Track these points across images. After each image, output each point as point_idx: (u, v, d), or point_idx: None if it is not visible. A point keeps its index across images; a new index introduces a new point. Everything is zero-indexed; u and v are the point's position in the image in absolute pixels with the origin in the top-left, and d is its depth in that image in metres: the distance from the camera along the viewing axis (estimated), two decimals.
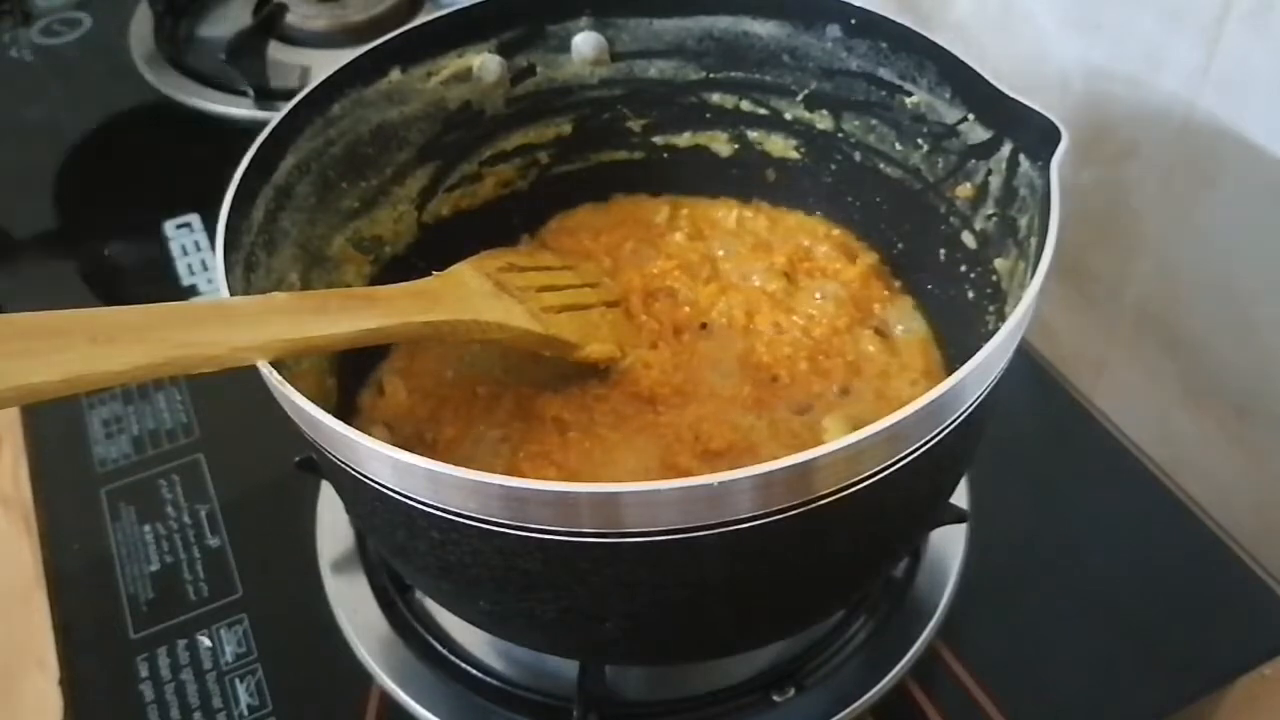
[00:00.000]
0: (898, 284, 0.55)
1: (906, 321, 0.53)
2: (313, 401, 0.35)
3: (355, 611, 0.53)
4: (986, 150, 0.46)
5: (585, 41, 0.54)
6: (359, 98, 0.50)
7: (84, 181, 0.82)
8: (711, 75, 0.55)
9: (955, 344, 0.51)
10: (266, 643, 0.53)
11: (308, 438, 0.38)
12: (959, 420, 0.36)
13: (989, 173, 0.47)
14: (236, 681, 0.52)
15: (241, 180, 0.43)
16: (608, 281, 0.55)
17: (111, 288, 0.72)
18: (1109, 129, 0.59)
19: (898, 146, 0.52)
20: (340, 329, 0.39)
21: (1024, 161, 0.44)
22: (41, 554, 0.58)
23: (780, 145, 0.56)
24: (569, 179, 0.59)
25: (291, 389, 0.36)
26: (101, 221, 0.78)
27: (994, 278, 0.47)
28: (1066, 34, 0.59)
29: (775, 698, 0.49)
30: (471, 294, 0.47)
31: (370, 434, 0.34)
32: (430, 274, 0.55)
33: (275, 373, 0.36)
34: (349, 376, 0.51)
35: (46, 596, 0.56)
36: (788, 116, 0.55)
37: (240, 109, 0.81)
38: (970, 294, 0.49)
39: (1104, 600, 0.53)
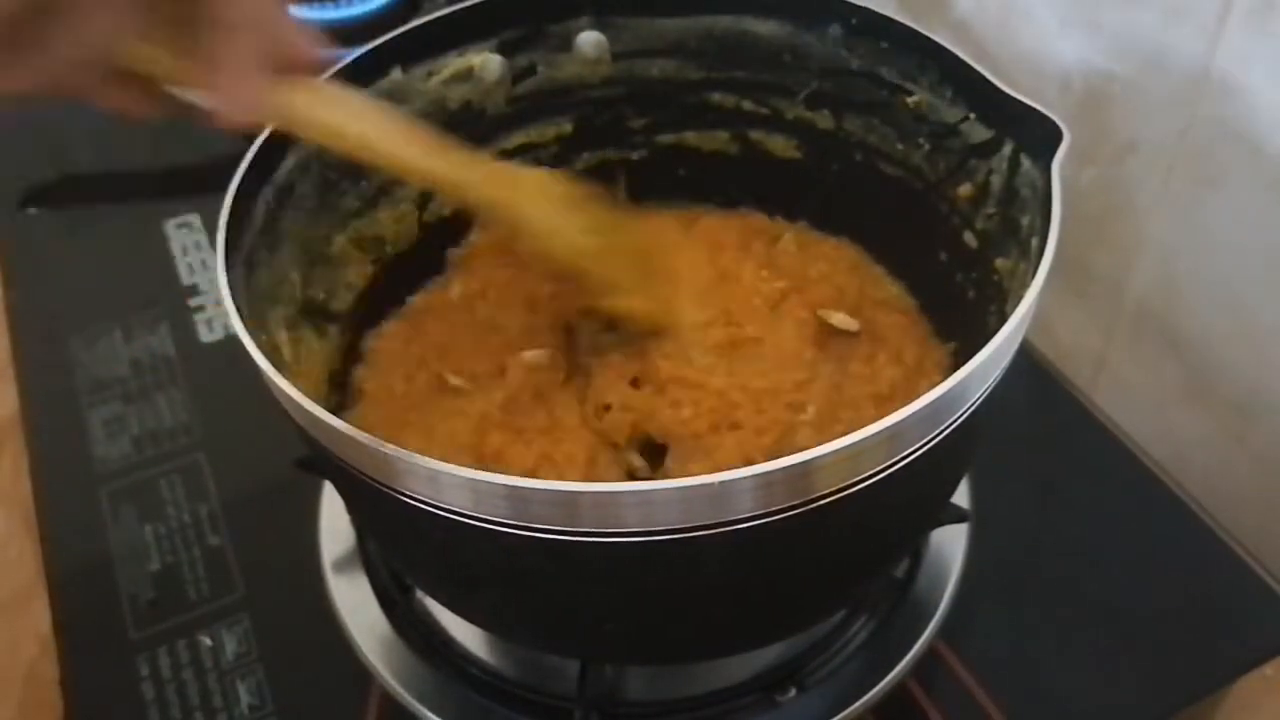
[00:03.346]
0: (900, 283, 0.55)
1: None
2: (312, 400, 0.35)
3: (356, 611, 0.53)
4: (988, 150, 0.46)
5: (586, 41, 0.54)
6: None
7: (85, 180, 0.82)
8: (712, 75, 0.55)
9: (956, 343, 0.51)
10: (267, 642, 0.53)
11: (307, 436, 0.38)
12: (960, 420, 0.36)
13: (990, 172, 0.47)
14: (237, 681, 0.52)
15: (242, 180, 0.43)
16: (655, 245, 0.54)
17: (112, 287, 0.72)
18: (1110, 128, 0.59)
19: (899, 146, 0.52)
20: (414, 159, 0.41)
21: (1025, 161, 0.44)
22: (41, 553, 0.58)
23: (781, 145, 0.56)
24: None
25: (291, 387, 0.36)
26: (102, 220, 0.78)
27: (995, 277, 0.47)
28: (1067, 33, 0.59)
29: (776, 698, 0.49)
30: (534, 197, 0.46)
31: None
32: (432, 277, 0.56)
33: (276, 371, 0.36)
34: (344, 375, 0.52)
35: (46, 596, 0.56)
36: (789, 116, 0.55)
37: None
38: (971, 293, 0.49)
39: (1105, 600, 0.53)
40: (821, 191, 0.57)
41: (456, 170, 0.43)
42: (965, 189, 0.49)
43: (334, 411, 0.36)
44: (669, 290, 0.52)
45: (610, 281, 0.49)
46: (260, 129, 0.39)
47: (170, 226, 0.76)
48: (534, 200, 0.46)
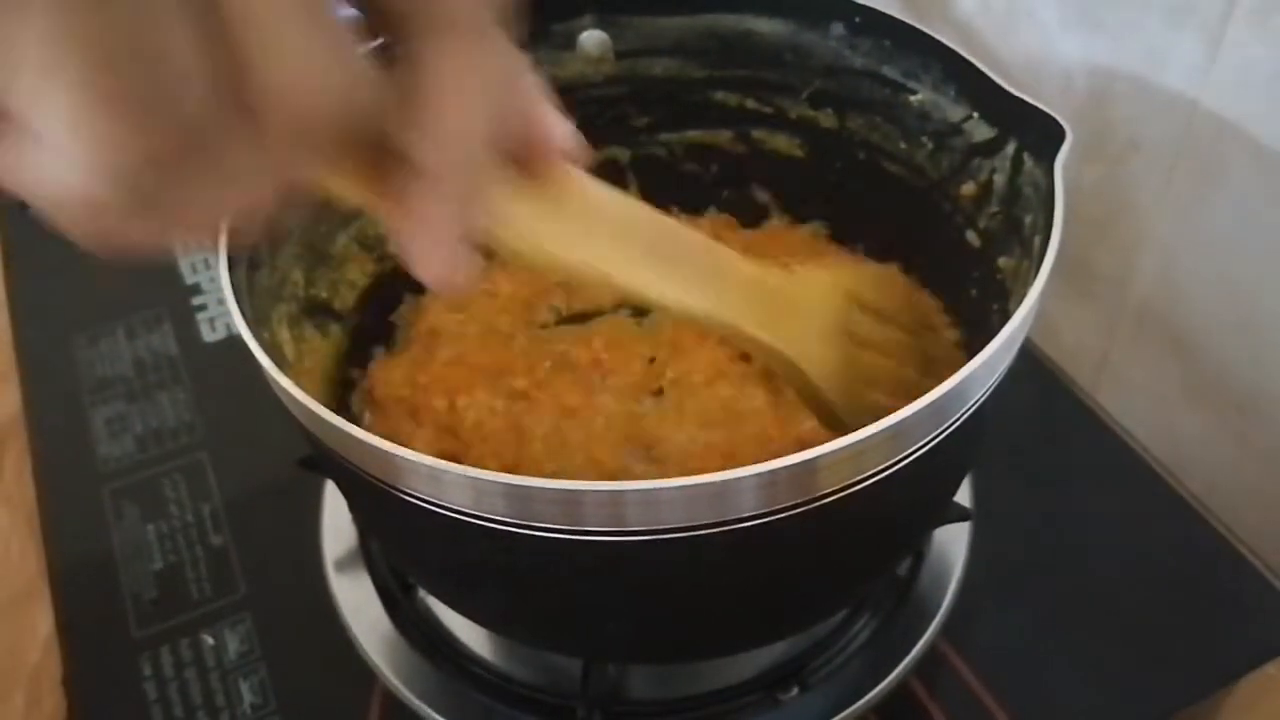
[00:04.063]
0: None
1: None
2: (314, 398, 0.35)
3: (359, 610, 0.53)
4: (990, 148, 0.46)
5: (589, 39, 0.54)
6: None
7: None
8: (715, 73, 0.55)
9: (959, 342, 0.51)
10: (270, 641, 0.53)
11: (310, 436, 0.38)
12: (962, 419, 0.36)
13: (993, 171, 0.47)
14: (240, 680, 0.52)
15: None
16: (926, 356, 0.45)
17: (115, 286, 0.72)
18: (1112, 127, 0.59)
19: (901, 145, 0.52)
20: (668, 297, 0.32)
21: (1028, 160, 0.44)
22: (44, 552, 0.58)
23: (784, 144, 0.56)
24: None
25: (294, 386, 0.36)
26: None
27: (998, 276, 0.47)
28: (1069, 32, 0.59)
29: (779, 696, 0.49)
30: (813, 320, 0.38)
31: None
32: None
33: (278, 370, 0.36)
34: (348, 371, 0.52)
35: (49, 595, 0.56)
36: (792, 115, 0.55)
37: None
38: (974, 292, 0.49)
39: (1107, 599, 0.53)
40: (824, 190, 0.57)
41: (723, 308, 0.34)
42: (968, 188, 0.49)
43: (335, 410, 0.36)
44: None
45: (846, 417, 0.39)
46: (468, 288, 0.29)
47: None
48: (801, 335, 0.37)
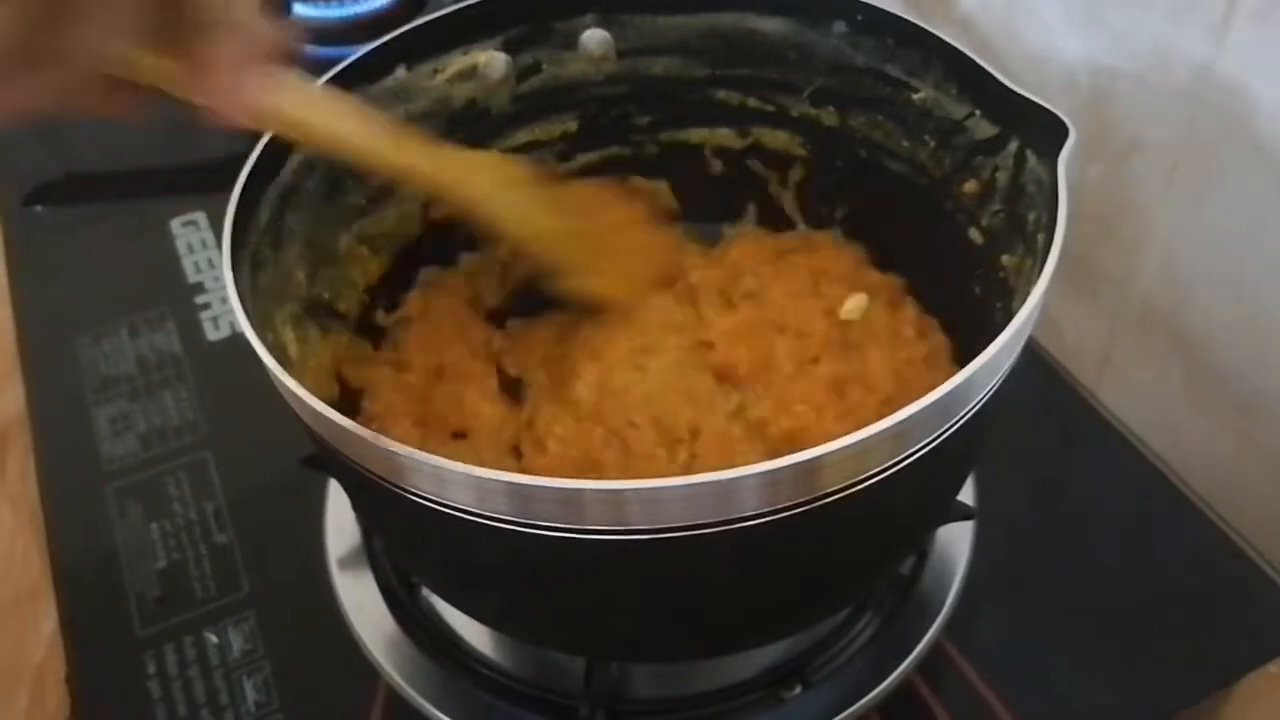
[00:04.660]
0: (904, 282, 0.55)
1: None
2: (317, 397, 0.35)
3: (362, 608, 0.53)
4: (993, 146, 0.46)
5: (591, 38, 0.54)
6: (365, 96, 0.50)
7: (90, 179, 0.83)
8: (717, 72, 0.55)
9: (962, 341, 0.51)
10: (273, 640, 0.54)
11: (313, 434, 0.38)
12: (965, 418, 0.36)
13: (996, 169, 0.47)
14: (244, 678, 0.52)
15: (248, 178, 0.43)
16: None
17: (118, 285, 0.73)
18: (1115, 125, 0.58)
19: (904, 143, 0.52)
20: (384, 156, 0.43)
21: (1031, 158, 0.44)
22: (48, 551, 0.58)
23: (786, 142, 0.56)
24: (575, 176, 0.59)
25: (297, 385, 0.36)
26: (108, 219, 0.78)
27: (1000, 274, 0.47)
28: (1072, 30, 0.59)
29: (782, 695, 0.49)
30: (509, 179, 0.48)
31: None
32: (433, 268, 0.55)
33: (282, 369, 0.36)
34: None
35: (53, 593, 0.56)
36: (794, 113, 0.55)
37: None
38: (977, 290, 0.49)
39: (1110, 597, 0.53)
40: (826, 188, 0.57)
41: (423, 161, 0.44)
42: (971, 186, 0.49)
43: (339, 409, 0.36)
44: (630, 268, 0.53)
45: (573, 263, 0.50)
46: (254, 125, 0.40)
47: (176, 225, 0.77)
48: (496, 184, 0.47)
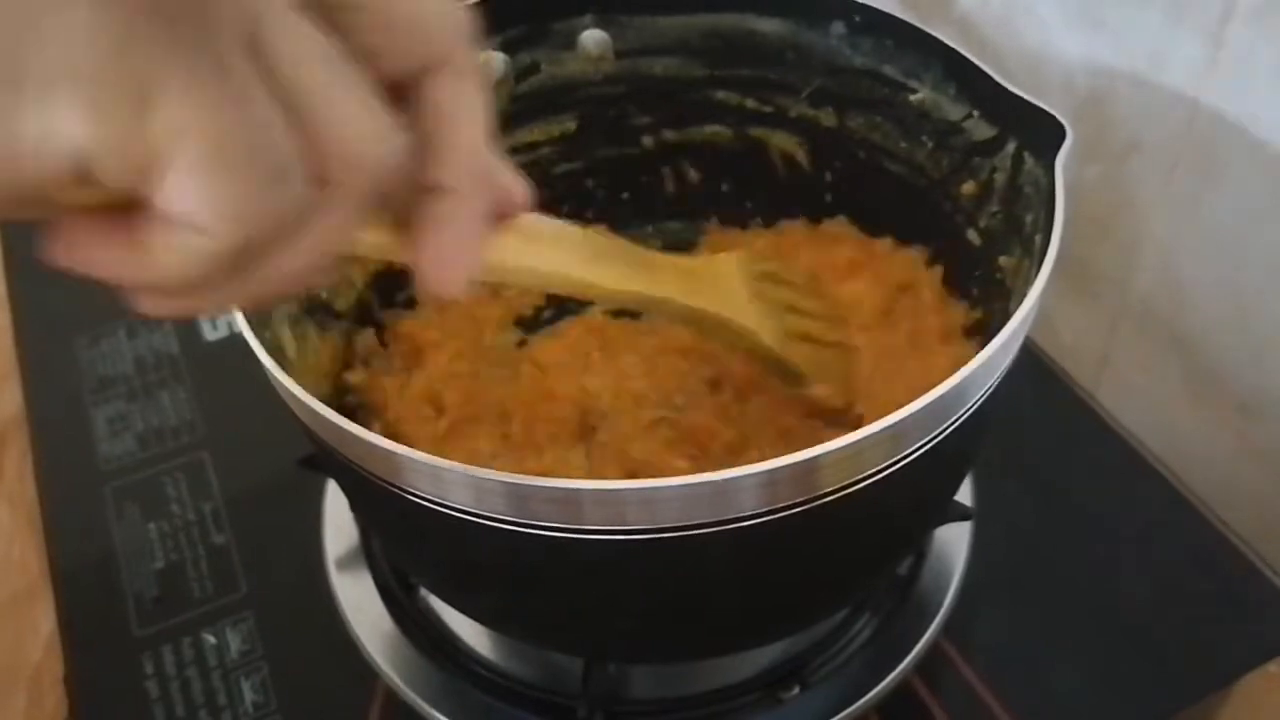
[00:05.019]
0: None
1: None
2: (315, 397, 0.35)
3: (360, 609, 0.53)
4: (991, 147, 0.46)
5: (590, 39, 0.54)
6: None
7: None
8: (715, 73, 0.55)
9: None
10: (271, 640, 0.53)
11: (311, 434, 0.38)
12: (963, 418, 0.36)
13: (993, 170, 0.47)
14: (241, 679, 0.52)
15: None
16: (843, 318, 0.52)
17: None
18: (1113, 126, 0.59)
19: (902, 144, 0.52)
20: (613, 284, 0.38)
21: (1028, 159, 0.44)
22: (46, 551, 0.58)
23: (784, 142, 0.56)
24: (574, 176, 0.59)
25: (295, 385, 0.36)
26: None
27: (998, 275, 0.47)
28: (1070, 31, 0.59)
29: (780, 695, 0.49)
30: (733, 291, 0.44)
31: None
32: None
33: (279, 369, 0.36)
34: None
35: (51, 593, 0.56)
36: (792, 114, 0.55)
37: None
38: (975, 291, 0.49)
39: (1108, 597, 0.53)
40: (825, 189, 0.57)
41: (655, 287, 0.40)
42: (969, 187, 0.49)
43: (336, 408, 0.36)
44: (846, 360, 0.50)
45: (799, 373, 0.46)
46: (469, 291, 0.31)
47: None
48: (726, 301, 0.43)
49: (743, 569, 0.37)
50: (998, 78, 0.45)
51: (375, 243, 0.28)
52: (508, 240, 0.32)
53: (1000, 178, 0.46)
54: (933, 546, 0.54)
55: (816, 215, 0.58)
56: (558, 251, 0.35)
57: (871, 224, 0.56)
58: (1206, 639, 0.52)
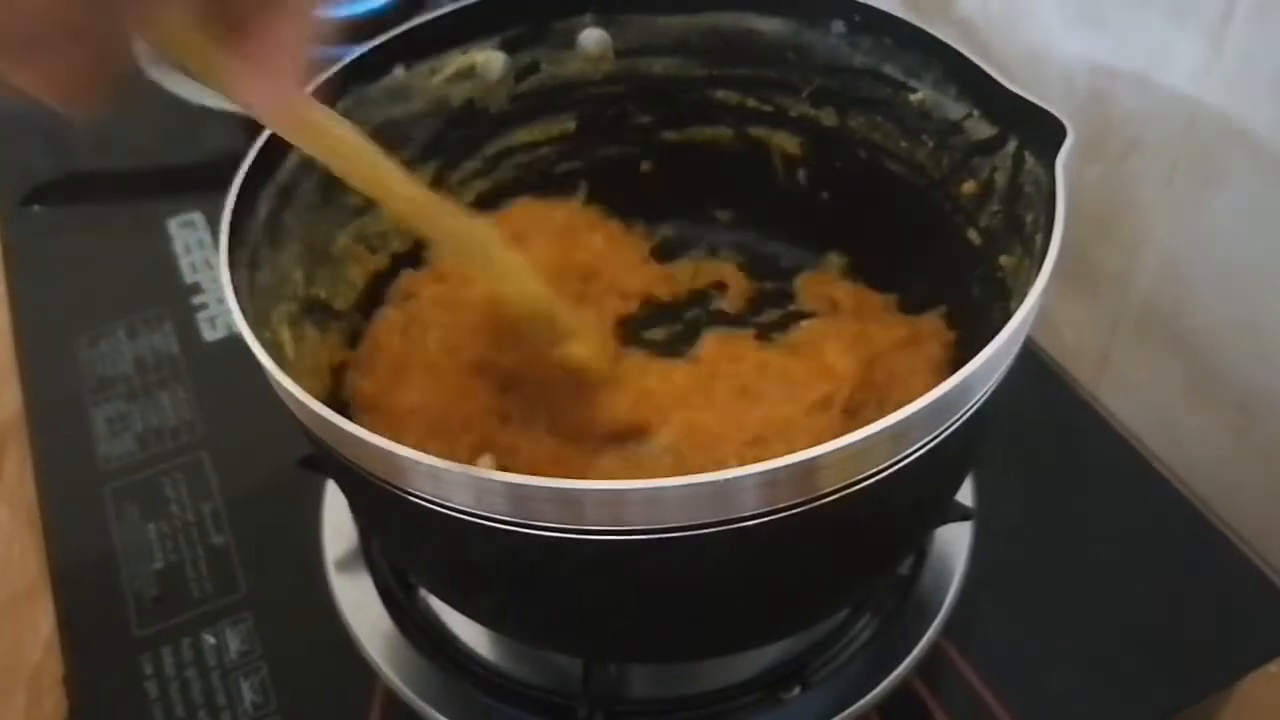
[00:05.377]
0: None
1: None
2: (314, 398, 0.35)
3: (359, 609, 0.53)
4: (991, 147, 0.46)
5: (589, 38, 0.54)
6: (362, 95, 0.50)
7: (88, 178, 0.82)
8: (715, 72, 0.55)
9: (960, 341, 0.51)
10: (271, 640, 0.53)
11: (310, 434, 0.38)
12: (964, 418, 0.36)
13: (994, 169, 0.47)
14: (241, 679, 0.52)
15: (245, 178, 0.43)
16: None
17: (116, 285, 0.72)
18: (1113, 126, 0.58)
19: (902, 143, 0.52)
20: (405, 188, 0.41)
21: (1029, 158, 0.44)
22: (45, 551, 0.58)
23: (785, 142, 0.56)
24: (574, 176, 0.59)
25: (294, 385, 0.36)
26: (105, 219, 0.78)
27: (999, 275, 0.47)
28: (1071, 30, 0.59)
29: (780, 695, 0.49)
30: (501, 241, 0.46)
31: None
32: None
33: (279, 370, 0.36)
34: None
35: (50, 594, 0.56)
36: (792, 114, 0.55)
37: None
38: (975, 291, 0.49)
39: (1109, 597, 0.53)
40: (825, 189, 0.57)
41: (434, 201, 0.43)
42: (969, 186, 0.48)
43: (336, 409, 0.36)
44: (600, 329, 0.52)
45: (562, 328, 0.48)
46: (284, 124, 0.37)
47: (173, 225, 0.77)
48: (494, 243, 0.45)
49: (743, 569, 0.37)
50: (998, 77, 0.45)
51: (196, 45, 0.31)
52: (320, 103, 0.35)
53: (1001, 177, 0.46)
54: (933, 546, 0.54)
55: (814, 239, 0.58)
56: (360, 138, 0.38)
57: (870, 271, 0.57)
58: (1206, 639, 0.52)
